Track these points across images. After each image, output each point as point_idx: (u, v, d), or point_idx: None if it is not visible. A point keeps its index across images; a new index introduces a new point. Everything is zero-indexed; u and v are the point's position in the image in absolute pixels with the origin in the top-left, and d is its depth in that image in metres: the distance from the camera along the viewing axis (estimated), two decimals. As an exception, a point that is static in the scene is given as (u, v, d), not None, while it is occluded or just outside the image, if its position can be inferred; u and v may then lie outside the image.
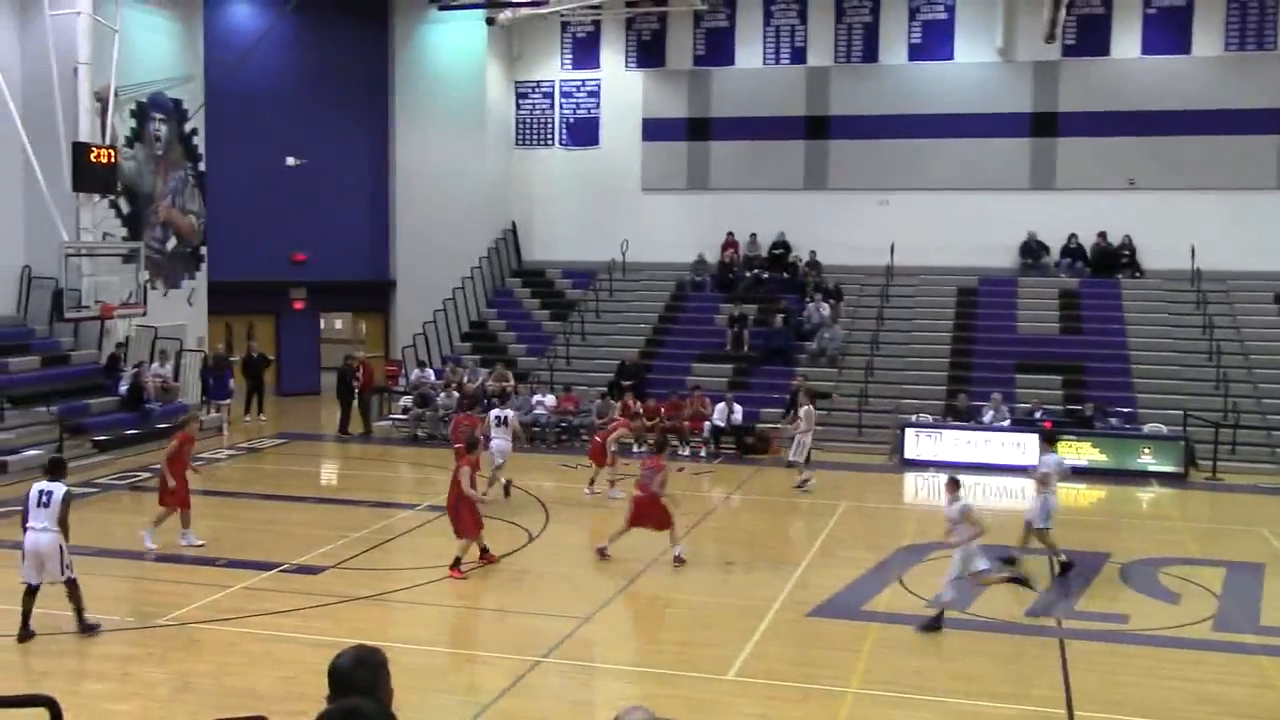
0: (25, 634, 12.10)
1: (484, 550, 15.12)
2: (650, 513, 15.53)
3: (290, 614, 13.17)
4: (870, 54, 29.36)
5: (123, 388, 23.69)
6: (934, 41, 28.95)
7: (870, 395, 25.01)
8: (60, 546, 12.21)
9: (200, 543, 15.99)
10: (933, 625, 12.84)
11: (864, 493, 20.63)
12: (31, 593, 12.15)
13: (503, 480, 19.35)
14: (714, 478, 22.09)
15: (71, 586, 12.28)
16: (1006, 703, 10.85)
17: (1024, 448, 22.50)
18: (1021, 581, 13.97)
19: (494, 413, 20.22)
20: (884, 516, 19.35)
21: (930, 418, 23.81)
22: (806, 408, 21.05)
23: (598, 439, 19.95)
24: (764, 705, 10.81)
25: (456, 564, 14.57)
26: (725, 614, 13.49)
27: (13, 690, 9.79)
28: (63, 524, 12.24)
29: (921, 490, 21.77)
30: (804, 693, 11.07)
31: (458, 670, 11.67)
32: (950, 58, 28.90)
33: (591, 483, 19.94)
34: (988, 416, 23.22)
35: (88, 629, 12.33)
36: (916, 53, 29.12)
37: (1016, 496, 21.13)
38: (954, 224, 28.47)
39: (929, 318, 27.55)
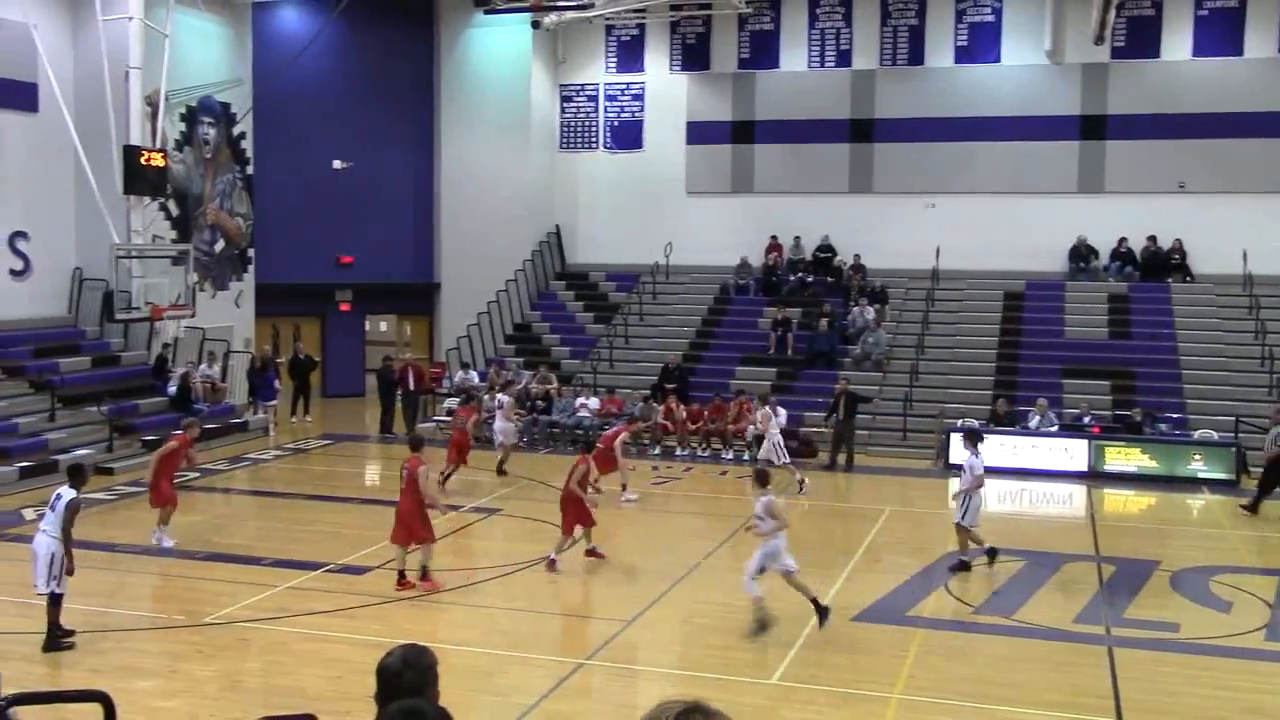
0: (56, 643, 11.98)
1: (424, 571, 14.26)
2: (568, 509, 15.26)
3: (336, 614, 13.27)
4: (916, 57, 29.19)
5: (171, 388, 23.96)
6: (981, 44, 28.74)
7: (915, 400, 24.84)
8: (54, 554, 11.92)
9: (170, 544, 15.87)
10: (760, 628, 12.54)
11: (908, 498, 20.50)
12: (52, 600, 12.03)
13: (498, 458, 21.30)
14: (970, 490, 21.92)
15: (52, 601, 11.89)
16: (1054, 710, 10.74)
17: (1071, 454, 22.32)
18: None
19: (499, 397, 22.54)
20: (929, 522, 19.21)
21: (976, 422, 23.56)
22: (764, 410, 21.30)
23: (600, 445, 19.73)
24: (807, 710, 10.77)
25: (425, 574, 14.15)
26: (768, 618, 13.43)
27: (65, 686, 9.93)
28: (65, 532, 11.97)
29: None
30: (847, 698, 11.02)
31: (502, 671, 11.69)
32: (997, 60, 28.68)
33: (596, 480, 19.85)
34: (1033, 422, 23.00)
35: (57, 646, 11.87)
36: (963, 55, 28.91)
37: (1063, 502, 20.96)
38: (1001, 227, 28.24)
39: (975, 322, 27.33)
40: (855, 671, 11.75)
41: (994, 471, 22.03)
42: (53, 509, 12.16)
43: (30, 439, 20.91)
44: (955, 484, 21.82)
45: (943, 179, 28.82)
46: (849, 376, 25.30)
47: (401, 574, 14.11)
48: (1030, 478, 21.90)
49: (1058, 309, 27.20)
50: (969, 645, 12.62)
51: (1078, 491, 21.27)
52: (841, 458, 22.98)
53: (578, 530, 15.43)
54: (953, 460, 22.74)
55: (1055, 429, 22.88)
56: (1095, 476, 21.90)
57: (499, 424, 22.24)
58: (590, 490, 15.86)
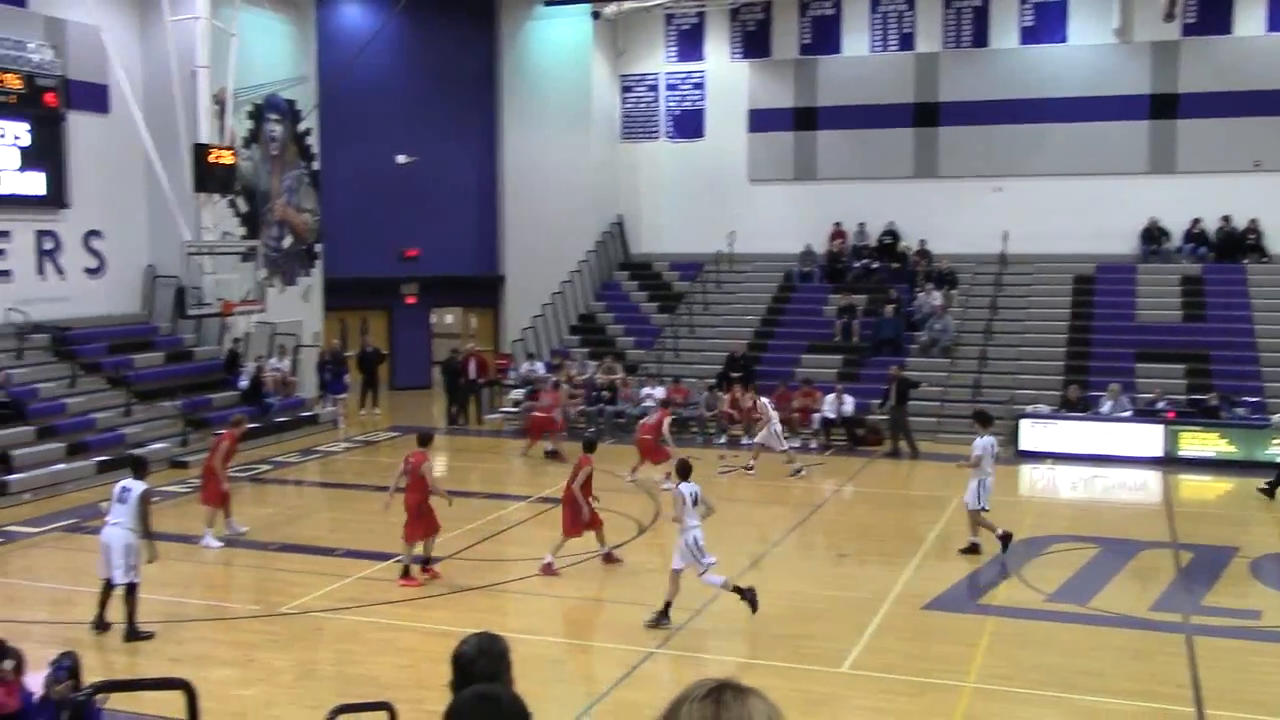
0: (100, 625, 12.29)
1: (426, 560, 14.41)
2: (566, 511, 14.75)
3: (407, 603, 13.40)
4: (981, 38, 28.78)
5: (243, 382, 24.32)
6: (1047, 24, 28.26)
7: (984, 385, 24.55)
8: (128, 545, 12.16)
9: (218, 545, 15.86)
10: (660, 618, 12.40)
11: (1263, 499, 20.10)
12: (108, 586, 12.30)
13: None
14: (824, 470, 21.90)
15: (129, 592, 12.12)
16: (1131, 699, 10.56)
17: (1145, 439, 21.94)
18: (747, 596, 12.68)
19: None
20: (1000, 509, 18.91)
21: (1046, 408, 23.28)
22: (761, 400, 21.77)
23: (645, 435, 19.86)
24: (879, 699, 10.70)
25: (427, 562, 14.29)
26: (839, 606, 13.38)
27: (147, 674, 10.12)
28: (143, 522, 12.25)
29: (1038, 482, 21.32)
30: (920, 687, 10.93)
31: (572, 660, 11.76)
32: (1064, 40, 28.19)
33: (634, 470, 20.10)
34: (1106, 407, 22.63)
35: (137, 635, 12.09)
36: (1029, 36, 28.45)
37: (1137, 489, 20.62)
38: (1070, 210, 27.77)
39: (1044, 306, 26.93)
40: (927, 660, 11.65)
41: (1066, 458, 21.90)
42: (122, 501, 12.33)
43: (107, 433, 21.33)
44: (1026, 470, 21.71)
45: (1009, 162, 28.40)
46: (911, 363, 25.16)
47: (406, 570, 14.16)
48: (1103, 464, 21.56)
49: (1129, 292, 26.72)
50: (1043, 633, 12.44)
51: (1152, 478, 20.91)
52: (903, 445, 22.79)
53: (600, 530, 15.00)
54: (1023, 447, 22.53)
55: (1129, 414, 22.50)
56: (1170, 462, 21.51)
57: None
58: (630, 478, 15.79)
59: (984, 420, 16.32)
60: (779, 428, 21.25)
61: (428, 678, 9.93)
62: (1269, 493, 18.98)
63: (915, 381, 23.77)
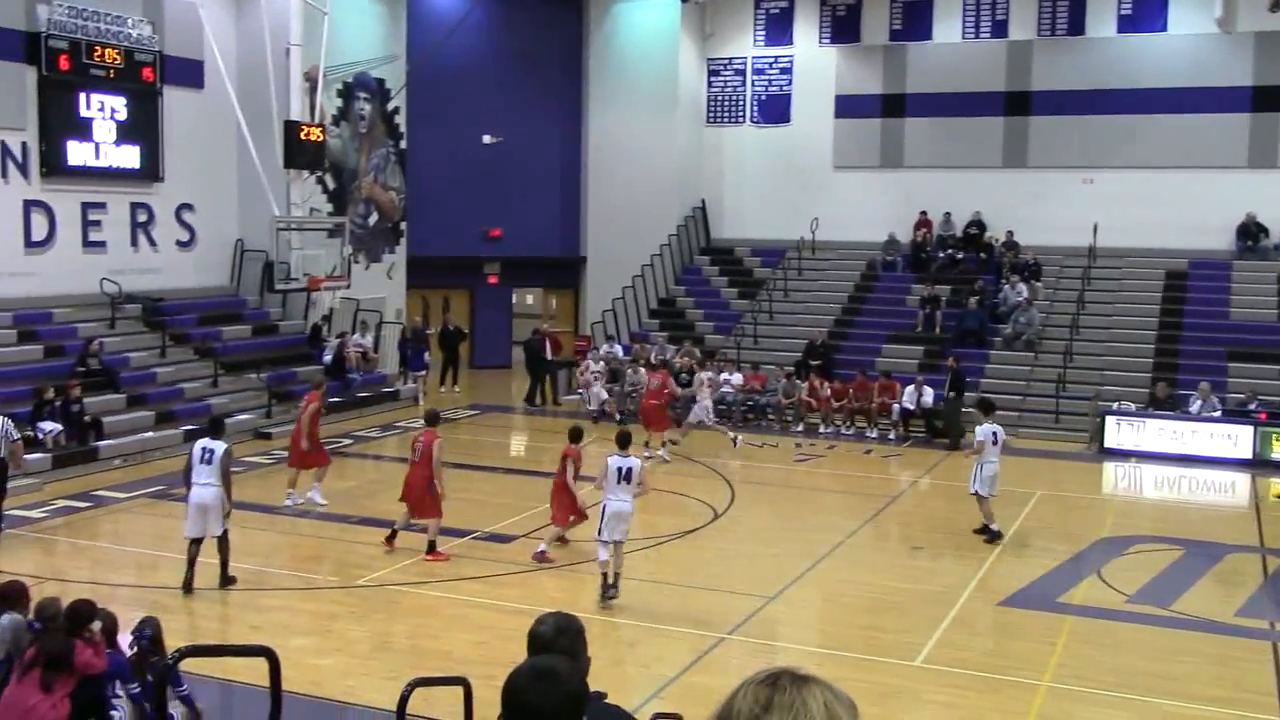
0: (189, 585, 12.73)
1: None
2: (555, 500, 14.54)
3: (483, 580, 13.54)
4: (1076, 26, 28.17)
5: (326, 357, 24.69)
6: (1146, 12, 27.58)
7: (1069, 381, 24.13)
8: (221, 500, 12.85)
9: (300, 501, 16.58)
10: (608, 592, 12.64)
11: (1060, 481, 19.94)
12: (195, 544, 12.82)
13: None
14: (902, 461, 21.71)
15: (223, 540, 12.91)
16: (1212, 705, 10.36)
17: (1236, 440, 21.42)
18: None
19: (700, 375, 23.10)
20: (1081, 506, 18.68)
21: (1133, 406, 22.82)
22: (701, 375, 22.80)
23: (652, 400, 21.07)
24: (952, 694, 10.59)
25: (432, 548, 14.36)
26: (912, 600, 13.28)
27: (229, 641, 10.34)
28: (225, 479, 12.90)
29: (1122, 481, 20.93)
30: (993, 684, 10.81)
31: (644, 642, 11.79)
32: (1163, 29, 27.49)
33: (646, 445, 20.30)
34: (1195, 406, 22.12)
35: (229, 581, 12.95)
36: (1126, 24, 27.79)
37: (1225, 491, 20.17)
38: (1163, 204, 27.10)
39: (1134, 301, 26.36)
40: (1001, 657, 11.52)
41: (1152, 457, 21.46)
42: (206, 462, 12.84)
43: (195, 403, 21.80)
44: (1110, 468, 21.33)
45: (1102, 153, 27.81)
46: (994, 356, 24.80)
47: (393, 532, 14.59)
48: (1191, 464, 21.10)
49: (1223, 289, 26.05)
50: (1122, 635, 12.23)
51: (1241, 480, 20.42)
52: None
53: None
54: (1107, 444, 22.13)
55: (1218, 414, 21.97)
56: (1261, 464, 20.97)
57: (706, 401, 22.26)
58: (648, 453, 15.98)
59: (986, 408, 16.61)
60: (709, 404, 22.18)
61: (500, 654, 10.03)
62: None
63: (964, 375, 23.53)
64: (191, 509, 12.88)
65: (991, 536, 15.56)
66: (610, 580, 12.78)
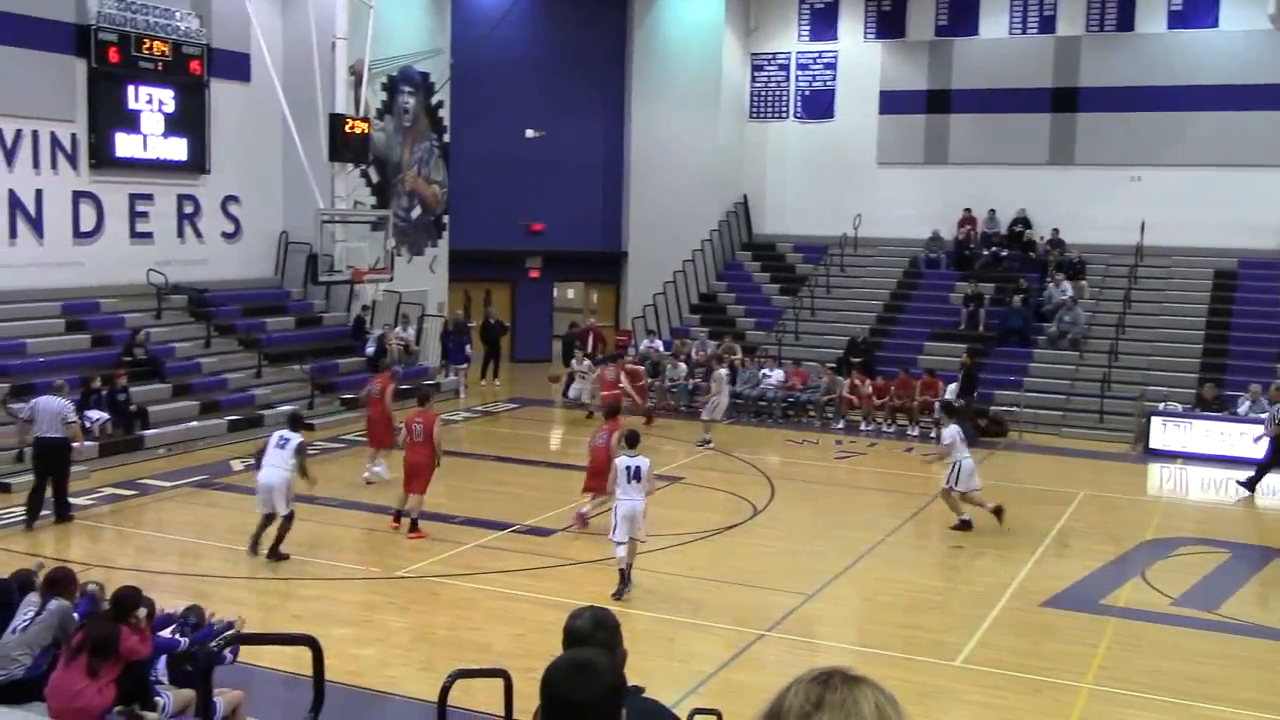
0: (254, 550, 13.79)
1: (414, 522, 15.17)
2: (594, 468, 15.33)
3: (522, 573, 13.57)
4: (1125, 22, 27.84)
5: (369, 349, 24.83)
6: (1197, 8, 27.20)
7: (1114, 381, 23.87)
8: (287, 484, 13.73)
9: (377, 470, 17.65)
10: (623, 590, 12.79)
11: (1104, 482, 19.73)
12: (266, 520, 13.77)
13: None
14: (944, 460, 21.50)
15: (287, 520, 13.75)
16: (1256, 710, 10.22)
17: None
18: None
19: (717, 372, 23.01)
20: (1125, 508, 18.48)
21: (1179, 406, 22.54)
22: (719, 371, 22.88)
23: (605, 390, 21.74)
24: (992, 695, 10.51)
25: (414, 525, 15.03)
26: (953, 599, 13.20)
27: (272, 630, 10.43)
28: (300, 467, 13.89)
29: (1167, 482, 20.69)
30: (1035, 685, 10.71)
31: (682, 638, 11.78)
32: (1214, 25, 27.09)
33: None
34: (1243, 408, 21.81)
35: (279, 556, 13.70)
36: (1177, 20, 27.43)
37: (1274, 494, 19.86)
38: (1213, 202, 26.74)
39: (1181, 301, 26.03)
40: (1043, 658, 11.41)
41: (1200, 459, 21.18)
42: (280, 448, 13.88)
43: (238, 394, 22.01)
44: (1155, 470, 21.09)
45: (1150, 150, 27.46)
46: (1038, 355, 24.56)
47: (404, 516, 15.16)
48: (1239, 466, 20.73)
49: (1273, 289, 25.66)
50: (1167, 638, 12.08)
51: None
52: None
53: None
54: (1152, 445, 21.88)
55: (1266, 416, 21.63)
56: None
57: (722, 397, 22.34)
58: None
59: (950, 410, 17.33)
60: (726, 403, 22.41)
61: (539, 647, 10.05)
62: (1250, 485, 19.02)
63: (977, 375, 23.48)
64: (260, 489, 13.86)
65: (963, 527, 15.96)
66: (625, 573, 12.93)
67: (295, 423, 14.62)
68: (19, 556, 12.39)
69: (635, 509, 12.78)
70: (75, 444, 15.48)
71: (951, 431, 16.15)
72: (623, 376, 22.88)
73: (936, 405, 23.15)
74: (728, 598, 13.17)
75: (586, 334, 27.27)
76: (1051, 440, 22.82)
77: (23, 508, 15.25)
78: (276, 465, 13.79)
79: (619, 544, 12.82)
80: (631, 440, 13.41)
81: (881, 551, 15.10)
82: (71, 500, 15.53)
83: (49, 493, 15.13)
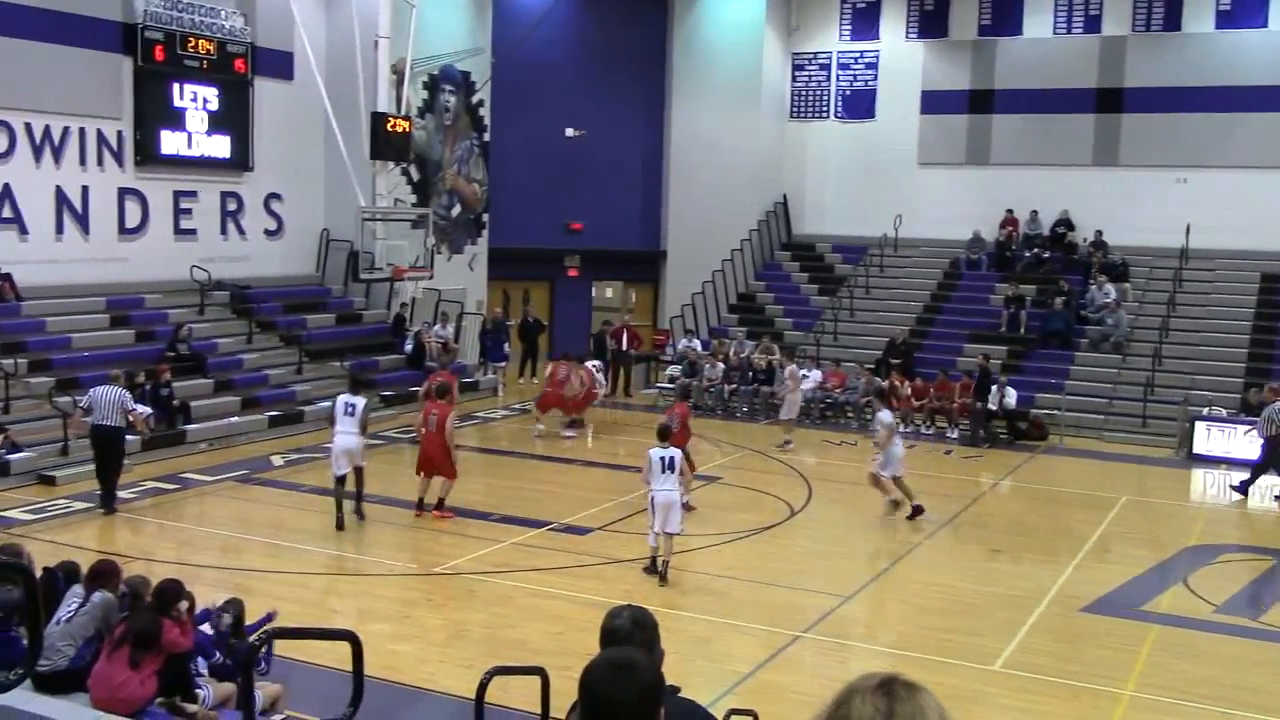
0: (340, 522, 14.95)
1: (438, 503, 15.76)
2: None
3: (559, 571, 13.60)
4: (1173, 22, 27.52)
5: (407, 346, 24.97)
6: (1246, 8, 26.82)
7: (1157, 385, 23.61)
8: (360, 446, 15.21)
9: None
10: (655, 570, 13.31)
11: (1146, 487, 19.54)
12: (341, 482, 15.04)
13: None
14: (982, 463, 21.40)
15: (360, 473, 15.28)
16: (1303, 721, 10.07)
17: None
18: None
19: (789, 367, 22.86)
20: (1168, 513, 18.28)
21: (1224, 411, 22.27)
22: (791, 367, 22.43)
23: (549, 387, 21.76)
24: (1030, 700, 10.43)
25: (439, 504, 15.65)
26: (991, 603, 13.09)
27: (310, 624, 10.49)
28: (363, 429, 15.24)
29: (1210, 488, 20.44)
30: (1074, 691, 10.61)
31: (718, 638, 11.76)
32: (1264, 25, 26.71)
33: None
34: (1289, 413, 21.48)
35: (361, 515, 15.26)
36: (1225, 20, 27.08)
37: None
38: (1260, 204, 26.36)
39: (1227, 304, 25.70)
40: (1082, 664, 11.30)
41: (1244, 465, 20.85)
42: (349, 414, 15.15)
43: (279, 390, 22.18)
44: (1199, 475, 20.84)
45: (1197, 152, 27.13)
46: (1080, 358, 24.33)
47: (420, 502, 15.85)
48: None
49: (1321, 293, 25.31)
50: (1209, 646, 11.94)
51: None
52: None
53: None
54: (1196, 450, 21.63)
55: (1263, 417, 21.29)
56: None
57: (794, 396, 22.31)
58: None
59: (881, 395, 18.26)
60: (800, 402, 22.35)
61: (576, 645, 10.07)
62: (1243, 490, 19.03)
63: (993, 372, 23.37)
64: (337, 451, 15.08)
65: (895, 506, 16.34)
66: (660, 570, 13.29)
67: (356, 386, 16.30)
68: (63, 548, 12.55)
69: (671, 499, 13.11)
70: (138, 434, 16.31)
71: (884, 417, 16.72)
72: (574, 376, 22.27)
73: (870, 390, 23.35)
74: (764, 598, 13.14)
75: (620, 331, 27.32)
76: (1093, 445, 22.61)
77: (66, 499, 15.48)
78: (350, 430, 15.07)
79: (655, 534, 13.18)
80: (662, 434, 13.75)
81: (918, 554, 15.02)
82: (118, 494, 15.75)
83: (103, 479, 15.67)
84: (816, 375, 24.93)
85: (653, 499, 13.23)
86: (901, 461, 16.49)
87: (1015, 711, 10.24)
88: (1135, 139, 27.80)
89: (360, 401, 15.36)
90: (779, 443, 21.52)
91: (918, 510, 16.40)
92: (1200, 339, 24.89)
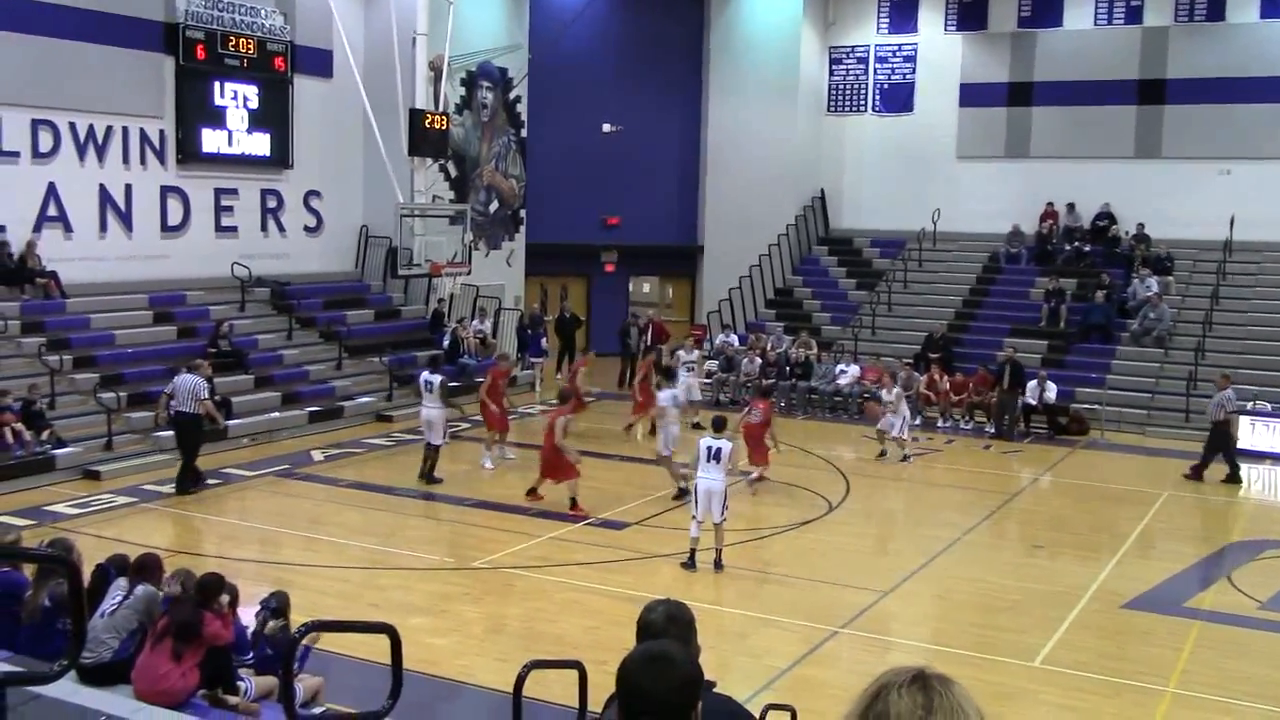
0: (431, 479, 17.17)
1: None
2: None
3: (595, 566, 13.62)
4: (1216, 12, 27.18)
5: (445, 342, 25.09)
6: (1291, -3, 26.48)
7: (1200, 379, 23.34)
8: (445, 419, 17.49)
9: (490, 467, 18.51)
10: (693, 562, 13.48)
11: (1189, 483, 19.29)
12: (433, 450, 17.21)
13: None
14: (1022, 458, 21.23)
15: (437, 450, 17.25)
16: (1349, 719, 9.93)
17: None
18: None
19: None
20: (1211, 509, 18.08)
21: (1269, 405, 21.98)
22: (897, 390, 20.50)
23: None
24: (1071, 696, 10.34)
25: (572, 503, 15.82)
26: (1031, 599, 12.99)
27: (349, 616, 10.56)
28: (444, 398, 17.52)
29: (1255, 483, 20.17)
30: (1116, 688, 10.52)
31: (755, 633, 11.74)
32: (1310, 14, 26.37)
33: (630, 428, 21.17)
34: (1336, 407, 21.22)
35: (434, 480, 17.17)
36: (1270, 9, 26.69)
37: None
38: (1305, 196, 26.01)
39: (1272, 297, 25.36)
40: (1124, 661, 11.20)
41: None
42: (429, 390, 17.45)
43: (319, 385, 22.33)
44: (1243, 470, 20.54)
45: (1241, 143, 26.77)
46: (1121, 352, 24.07)
47: (532, 489, 16.40)
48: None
49: (1368, 286, 24.93)
50: (1254, 642, 11.80)
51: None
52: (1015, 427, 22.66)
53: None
54: (1241, 445, 21.33)
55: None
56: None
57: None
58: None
59: (668, 374, 18.62)
60: (906, 416, 20.61)
61: (612, 640, 10.09)
62: (1197, 475, 19.15)
63: (1025, 366, 23.04)
64: (423, 424, 17.44)
65: (681, 495, 16.34)
66: (715, 559, 13.47)
67: (435, 364, 18.72)
68: (107, 543, 12.70)
69: (714, 488, 13.33)
70: (213, 424, 17.00)
71: (665, 395, 17.58)
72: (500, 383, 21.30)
73: (1016, 403, 22.89)
74: (802, 593, 13.10)
75: (647, 326, 27.35)
76: (1135, 439, 22.39)
77: (110, 493, 15.71)
78: (432, 405, 17.34)
79: (697, 521, 13.39)
80: (718, 424, 14.13)
81: (957, 550, 14.93)
82: (151, 488, 15.96)
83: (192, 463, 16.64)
84: (855, 370, 24.82)
85: (696, 485, 13.57)
86: (677, 439, 17.33)
87: (1057, 708, 10.16)
88: (1178, 131, 27.48)
89: (436, 378, 17.55)
90: (899, 458, 20.20)
91: (682, 493, 16.52)
92: (1244, 333, 24.58)
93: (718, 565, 13.45)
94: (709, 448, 13.52)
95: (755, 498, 17.07)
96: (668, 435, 17.42)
